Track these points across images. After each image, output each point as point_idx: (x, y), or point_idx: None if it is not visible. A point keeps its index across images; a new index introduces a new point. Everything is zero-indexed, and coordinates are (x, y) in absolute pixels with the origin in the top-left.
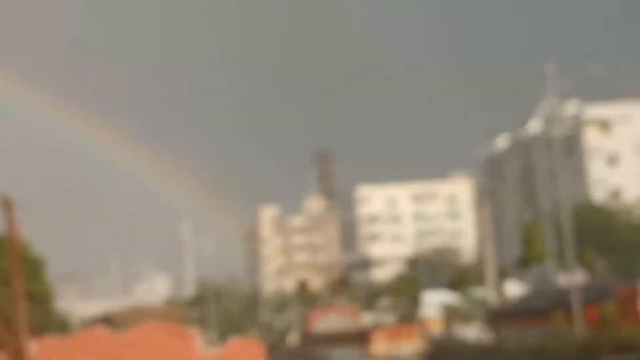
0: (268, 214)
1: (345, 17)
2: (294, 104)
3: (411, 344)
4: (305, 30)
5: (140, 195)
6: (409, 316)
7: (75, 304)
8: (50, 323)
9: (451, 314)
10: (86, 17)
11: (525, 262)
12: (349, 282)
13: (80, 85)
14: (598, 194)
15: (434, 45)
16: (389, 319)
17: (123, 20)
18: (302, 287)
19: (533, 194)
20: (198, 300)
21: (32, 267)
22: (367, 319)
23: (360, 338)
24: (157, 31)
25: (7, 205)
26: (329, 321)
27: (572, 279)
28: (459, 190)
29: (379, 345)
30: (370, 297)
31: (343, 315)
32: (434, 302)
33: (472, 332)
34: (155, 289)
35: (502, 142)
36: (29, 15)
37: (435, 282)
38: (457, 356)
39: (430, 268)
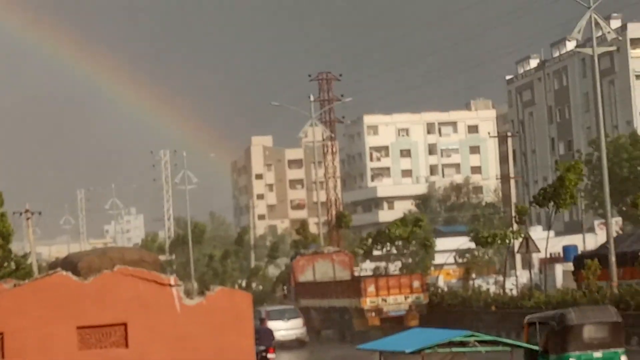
0: (259, 145)
1: None
2: (294, 20)
3: (411, 296)
4: None
5: (116, 122)
6: (418, 264)
7: (38, 246)
8: (7, 266)
9: (470, 263)
10: None
11: (558, 205)
12: (350, 224)
13: None
14: None
15: None
16: (393, 267)
17: None
18: (299, 228)
19: (567, 125)
20: (178, 243)
21: None
22: (367, 266)
23: (351, 289)
24: None
25: None
26: (317, 270)
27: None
28: (481, 120)
29: (372, 297)
30: (374, 240)
31: (333, 263)
32: (450, 247)
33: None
34: (129, 229)
35: (531, 64)
36: None
37: (451, 225)
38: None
39: (446, 208)
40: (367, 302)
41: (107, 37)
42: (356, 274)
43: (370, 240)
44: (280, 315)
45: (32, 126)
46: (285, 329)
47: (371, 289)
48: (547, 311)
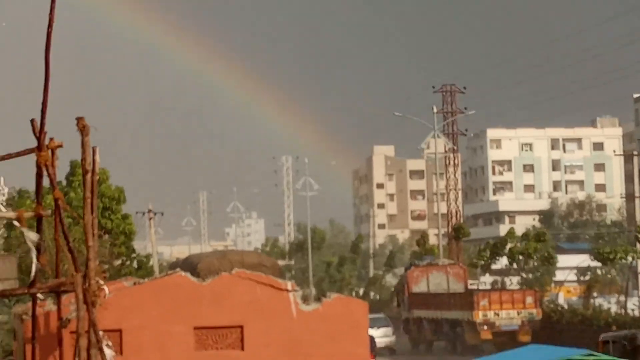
0: (381, 154)
1: None
2: (417, 31)
3: (524, 312)
4: None
5: (239, 128)
6: (538, 280)
7: (159, 245)
8: (129, 265)
9: (592, 281)
10: None
11: None
12: (468, 235)
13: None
14: None
15: None
16: (509, 281)
17: None
18: (419, 239)
19: None
20: (297, 249)
21: (111, 201)
22: (487, 279)
23: (464, 302)
24: None
25: (83, 129)
26: (431, 281)
27: None
28: (607, 138)
29: (484, 310)
30: (492, 254)
31: (447, 275)
32: (571, 265)
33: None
34: (250, 233)
35: None
36: None
37: (573, 242)
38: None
39: (568, 225)
40: (480, 316)
41: (236, 46)
42: (475, 287)
43: (488, 253)
44: (372, 324)
45: (158, 128)
46: (376, 336)
47: (484, 302)
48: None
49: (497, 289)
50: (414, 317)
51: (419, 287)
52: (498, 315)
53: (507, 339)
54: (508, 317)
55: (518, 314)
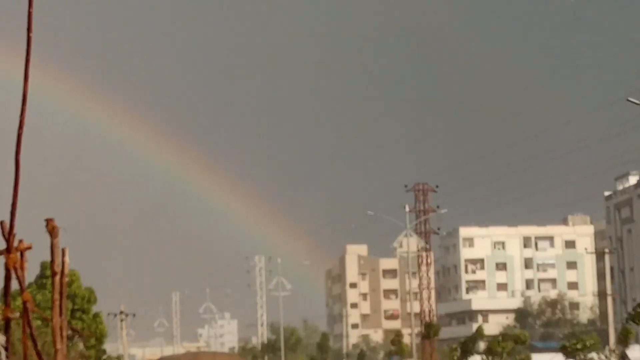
0: (354, 254)
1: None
2: (388, 130)
3: None
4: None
5: (211, 227)
6: None
7: (132, 347)
8: None
9: None
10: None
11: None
12: (438, 334)
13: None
14: None
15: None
16: None
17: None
18: (394, 339)
19: None
20: (270, 349)
21: (82, 302)
22: None
23: None
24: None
25: (52, 230)
26: None
27: None
28: (578, 236)
29: None
30: (464, 353)
31: None
32: None
33: None
34: (223, 334)
35: (631, 181)
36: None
37: (547, 342)
38: None
39: (541, 324)
40: None
41: (207, 147)
42: None
43: (459, 352)
44: None
45: (128, 228)
46: None
47: None
48: None
49: None
50: None
51: None
52: None
53: None
54: None
55: None
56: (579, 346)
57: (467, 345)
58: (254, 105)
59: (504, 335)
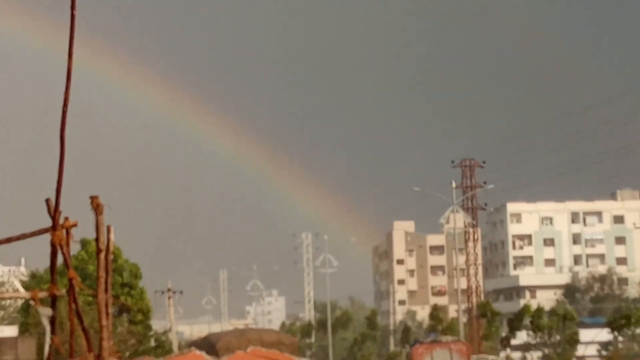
0: (401, 230)
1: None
2: (436, 107)
3: None
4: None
5: (259, 205)
6: (560, 355)
7: (179, 324)
8: (146, 344)
9: (614, 357)
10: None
11: None
12: (492, 312)
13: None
14: None
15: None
16: (533, 357)
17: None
18: (432, 312)
19: None
20: (317, 326)
21: (130, 277)
22: (512, 356)
23: None
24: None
25: (97, 207)
26: (435, 357)
27: None
28: (627, 211)
29: None
30: (512, 329)
31: (450, 352)
32: (594, 341)
33: None
34: (270, 311)
35: None
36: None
37: (596, 317)
38: None
39: (590, 299)
40: None
41: (258, 127)
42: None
43: (507, 328)
44: None
45: (175, 206)
46: None
47: None
48: None
49: None
50: None
51: None
52: None
53: None
54: None
55: None
56: (624, 322)
57: (514, 321)
58: (308, 91)
59: (552, 311)
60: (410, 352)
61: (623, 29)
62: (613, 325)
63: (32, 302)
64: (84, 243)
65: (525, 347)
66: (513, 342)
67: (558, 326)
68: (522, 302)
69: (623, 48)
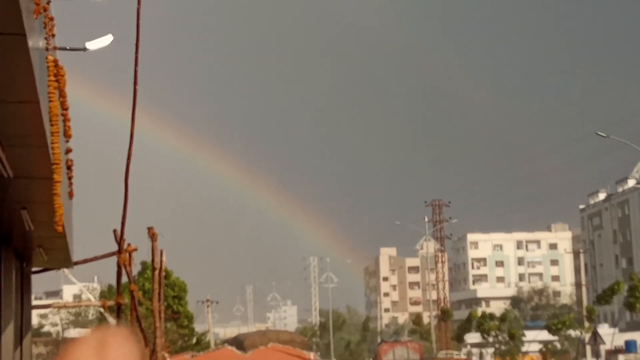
0: (386, 254)
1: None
2: (413, 157)
3: None
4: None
5: (275, 234)
6: (509, 351)
7: (215, 327)
8: (189, 342)
9: (549, 352)
10: None
11: (630, 307)
12: (451, 318)
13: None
14: None
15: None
16: (488, 352)
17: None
18: (414, 319)
19: (628, 245)
20: (321, 328)
21: (175, 292)
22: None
23: None
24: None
25: (152, 236)
26: (396, 353)
27: None
28: (559, 240)
29: None
30: (462, 330)
31: (407, 349)
32: (534, 340)
33: None
34: (285, 317)
35: (600, 197)
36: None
37: (536, 321)
38: None
39: (531, 308)
40: None
41: (271, 170)
42: (450, 356)
43: (459, 329)
44: None
45: (212, 237)
46: None
47: None
48: None
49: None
50: None
51: (387, 357)
52: None
53: None
54: None
55: None
56: (559, 325)
57: (465, 325)
58: (306, 129)
59: (502, 316)
60: (377, 350)
61: (554, 98)
62: (551, 327)
63: (102, 310)
64: (144, 265)
65: (480, 345)
66: (472, 340)
67: (502, 328)
68: (480, 310)
69: (561, 113)
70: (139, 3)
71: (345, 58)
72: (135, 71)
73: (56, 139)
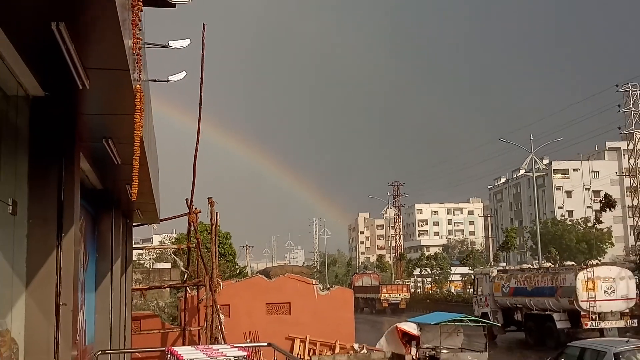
0: (362, 217)
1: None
2: (379, 153)
3: (402, 294)
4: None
5: (290, 202)
6: (440, 280)
7: (251, 263)
8: (233, 273)
9: (466, 281)
10: None
11: (503, 247)
12: (405, 258)
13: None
14: (559, 215)
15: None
16: (428, 281)
17: None
18: (378, 259)
19: (520, 212)
20: (320, 265)
21: (224, 239)
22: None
23: (376, 290)
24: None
25: (211, 203)
26: (363, 280)
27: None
28: (475, 208)
29: (384, 294)
30: (413, 266)
31: (370, 278)
32: (457, 272)
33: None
34: (297, 257)
35: (501, 180)
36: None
37: (459, 261)
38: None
39: (457, 252)
40: (382, 296)
41: (285, 151)
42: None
43: (410, 266)
44: None
45: (249, 197)
46: None
47: (384, 290)
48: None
49: (395, 284)
50: (356, 297)
51: (358, 283)
52: (390, 296)
53: (395, 307)
54: (395, 297)
55: (399, 295)
56: (468, 259)
57: (415, 263)
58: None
59: (436, 257)
60: (352, 278)
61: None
62: (467, 264)
63: (176, 251)
64: (202, 225)
65: (423, 276)
66: (416, 273)
67: (432, 265)
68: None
69: (477, 119)
70: (202, 51)
71: (332, 73)
72: (200, 95)
73: (138, 133)
